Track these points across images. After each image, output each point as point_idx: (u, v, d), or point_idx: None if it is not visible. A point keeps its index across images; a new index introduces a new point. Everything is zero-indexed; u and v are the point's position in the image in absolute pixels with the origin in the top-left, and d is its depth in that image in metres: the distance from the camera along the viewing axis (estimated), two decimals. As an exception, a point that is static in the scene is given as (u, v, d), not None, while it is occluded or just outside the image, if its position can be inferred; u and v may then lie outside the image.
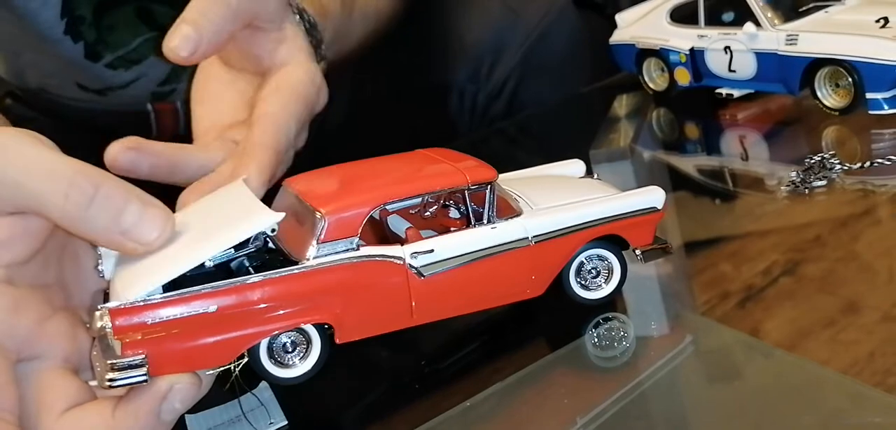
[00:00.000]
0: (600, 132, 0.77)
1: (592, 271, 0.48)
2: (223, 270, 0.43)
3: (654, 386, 0.43)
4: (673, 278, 0.53)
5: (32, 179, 0.40)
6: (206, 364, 0.40)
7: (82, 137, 0.83)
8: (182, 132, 0.85)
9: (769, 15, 0.70)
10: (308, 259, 0.41)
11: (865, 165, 0.59)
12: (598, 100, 0.87)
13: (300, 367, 0.42)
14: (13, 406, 0.40)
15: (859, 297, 0.46)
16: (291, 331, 0.42)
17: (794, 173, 0.60)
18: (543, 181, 0.53)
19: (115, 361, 0.39)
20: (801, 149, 0.65)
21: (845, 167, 0.59)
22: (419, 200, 0.47)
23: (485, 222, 0.45)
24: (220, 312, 0.40)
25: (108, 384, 0.39)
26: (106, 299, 0.42)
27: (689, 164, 0.71)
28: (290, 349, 0.42)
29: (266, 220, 0.42)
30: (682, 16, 0.77)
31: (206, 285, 0.40)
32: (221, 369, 0.41)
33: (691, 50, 0.75)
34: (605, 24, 0.87)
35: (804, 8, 0.70)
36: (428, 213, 0.48)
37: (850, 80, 0.65)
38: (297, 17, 0.59)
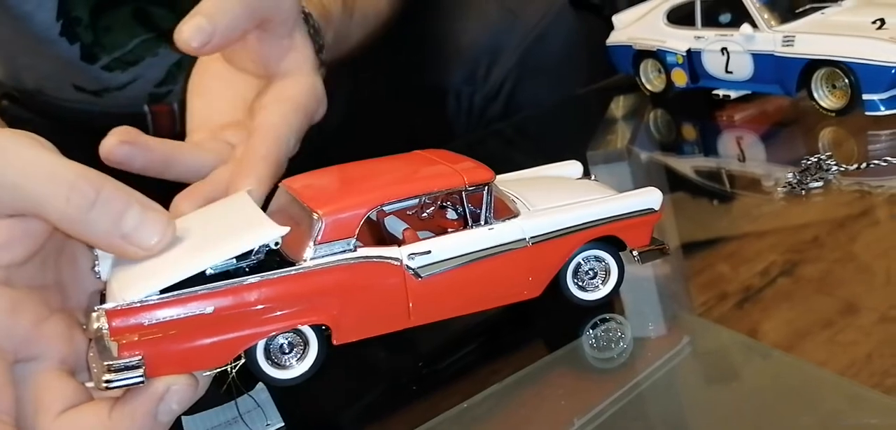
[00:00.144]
0: (597, 133, 0.77)
1: (590, 272, 0.48)
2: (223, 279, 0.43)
3: (652, 387, 0.43)
4: (670, 279, 0.53)
5: (32, 182, 0.40)
6: (203, 366, 0.40)
7: (79, 139, 0.83)
8: (178, 133, 0.84)
9: (766, 16, 0.70)
10: (305, 260, 0.41)
11: (862, 167, 0.59)
12: (596, 101, 0.87)
13: (297, 368, 0.42)
14: (10, 407, 0.40)
15: (857, 298, 0.46)
16: (288, 332, 0.42)
17: (790, 175, 0.60)
18: (540, 182, 0.52)
19: (111, 362, 0.38)
20: (798, 150, 0.65)
21: (842, 168, 0.59)
22: (416, 201, 0.47)
23: (482, 223, 0.45)
24: (216, 313, 0.40)
25: (104, 385, 0.38)
26: (103, 300, 0.42)
27: (686, 165, 0.71)
28: (287, 351, 0.42)
29: (270, 233, 0.42)
30: (678, 17, 0.77)
31: (203, 287, 0.40)
32: (218, 370, 0.41)
33: (688, 51, 0.75)
34: (602, 25, 0.87)
35: (801, 9, 0.70)
36: (425, 214, 0.48)
37: (846, 81, 0.65)
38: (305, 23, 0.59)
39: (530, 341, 0.49)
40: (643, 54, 0.80)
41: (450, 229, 0.45)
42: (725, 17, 0.74)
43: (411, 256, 0.43)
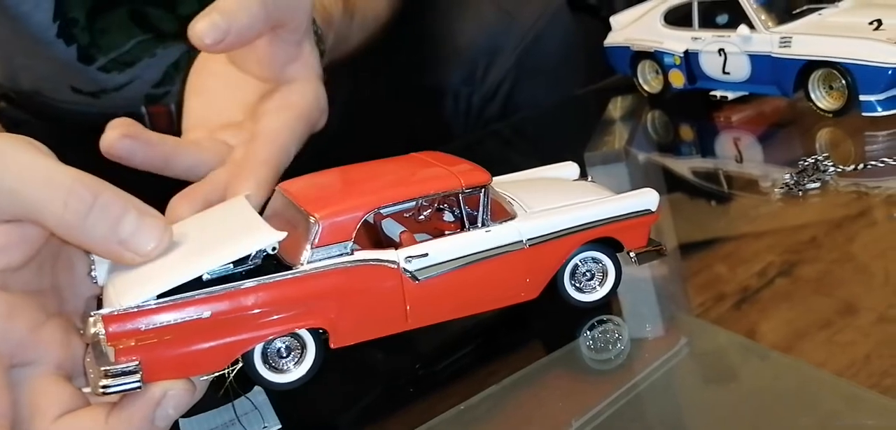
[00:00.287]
0: (595, 135, 0.77)
1: (587, 273, 0.48)
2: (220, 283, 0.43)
3: (649, 389, 0.43)
4: (668, 279, 0.53)
5: (29, 187, 0.40)
6: (201, 370, 0.40)
7: (77, 140, 0.83)
8: (176, 134, 0.84)
9: (763, 17, 0.70)
10: (302, 264, 0.41)
11: (859, 168, 0.59)
12: (593, 102, 0.87)
13: (295, 372, 0.42)
14: (6, 412, 0.40)
15: (855, 298, 0.46)
16: (286, 336, 0.42)
17: (787, 175, 0.60)
18: (537, 184, 0.52)
19: (108, 367, 0.38)
20: (796, 151, 0.65)
21: (839, 169, 0.59)
22: (413, 203, 0.47)
23: (479, 225, 0.45)
24: (213, 317, 0.40)
25: (101, 390, 0.38)
26: (99, 305, 0.42)
27: (683, 166, 0.71)
28: (284, 354, 0.42)
29: (268, 238, 0.42)
30: (676, 18, 0.77)
31: (200, 292, 0.40)
32: (216, 375, 0.41)
33: (685, 52, 0.75)
34: (600, 26, 0.87)
35: (798, 10, 0.70)
36: (422, 216, 0.48)
37: (843, 82, 0.65)
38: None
39: (528, 342, 0.49)
40: (641, 55, 0.80)
41: (447, 232, 0.45)
42: (723, 19, 0.74)
43: (408, 259, 0.43)
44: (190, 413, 0.42)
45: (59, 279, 0.45)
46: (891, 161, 0.59)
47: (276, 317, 0.41)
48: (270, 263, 0.43)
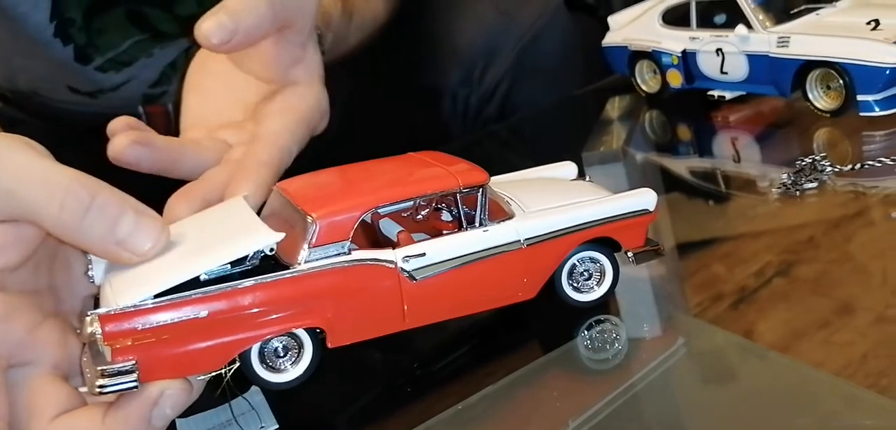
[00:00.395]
0: (593, 134, 0.77)
1: (584, 273, 0.48)
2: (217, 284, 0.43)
3: (647, 389, 0.43)
4: (666, 279, 0.52)
5: (26, 188, 0.40)
6: (197, 370, 0.40)
7: (74, 140, 0.83)
8: (173, 133, 0.84)
9: (761, 17, 0.70)
10: (300, 263, 0.41)
11: (857, 167, 0.59)
12: (591, 102, 0.87)
13: (292, 372, 0.42)
14: (3, 412, 0.40)
15: (853, 298, 0.46)
16: (283, 335, 0.42)
17: (785, 175, 0.60)
18: (535, 184, 0.52)
19: (105, 367, 0.38)
20: (793, 151, 0.65)
21: (837, 169, 0.59)
22: (411, 203, 0.47)
23: (477, 225, 0.45)
24: (210, 317, 0.40)
25: (98, 390, 0.38)
26: (96, 304, 0.42)
27: (681, 166, 0.71)
28: (281, 354, 0.42)
29: (266, 239, 0.42)
30: (674, 18, 0.77)
31: (197, 291, 0.40)
32: (213, 374, 0.41)
33: (683, 52, 0.75)
34: (598, 26, 0.87)
35: (795, 10, 0.70)
36: (420, 216, 0.48)
37: (841, 82, 0.65)
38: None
39: (525, 342, 0.49)
40: (638, 55, 0.80)
41: (444, 232, 0.45)
42: (720, 18, 0.74)
43: (406, 258, 0.43)
44: (187, 413, 0.42)
45: (56, 279, 0.45)
46: (888, 161, 0.59)
47: (273, 316, 0.41)
48: (268, 262, 0.43)
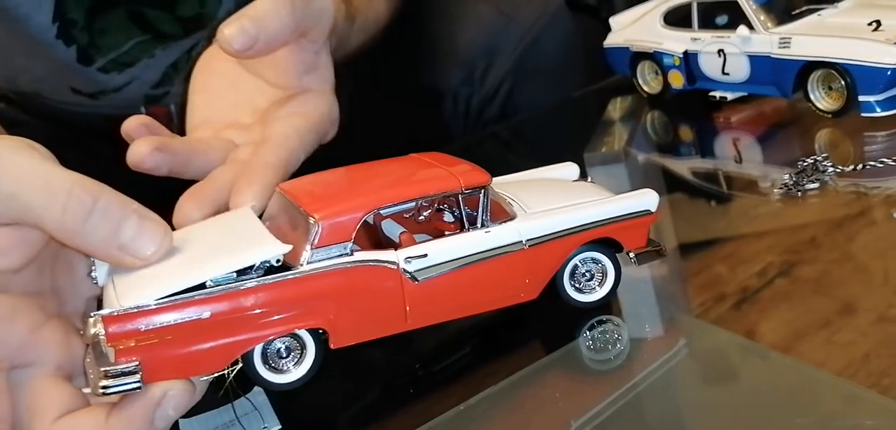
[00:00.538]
0: (595, 135, 0.77)
1: (586, 273, 0.48)
2: None
3: (649, 389, 0.43)
4: (668, 280, 0.53)
5: (29, 192, 0.40)
6: (200, 371, 0.40)
7: (76, 141, 0.83)
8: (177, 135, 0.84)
9: (762, 18, 0.70)
10: (302, 264, 0.41)
11: (858, 168, 0.59)
12: (593, 103, 0.87)
13: (294, 372, 0.42)
14: (6, 414, 0.40)
15: (854, 298, 0.46)
16: (286, 336, 0.42)
17: (787, 176, 0.60)
18: (537, 185, 0.52)
19: (108, 368, 0.38)
20: (795, 151, 0.65)
21: (838, 170, 0.59)
22: (413, 204, 0.47)
23: (478, 226, 0.45)
24: (213, 318, 0.40)
25: (101, 391, 0.38)
26: (99, 305, 0.42)
27: (683, 166, 0.71)
28: (284, 355, 0.42)
29: (272, 250, 0.42)
30: (675, 19, 0.77)
31: (200, 292, 0.40)
32: (216, 375, 0.41)
33: (685, 53, 0.75)
34: (599, 27, 0.87)
35: (797, 11, 0.70)
36: (422, 217, 0.48)
37: (842, 82, 0.65)
38: None
39: (527, 342, 0.49)
40: (640, 56, 0.80)
41: (446, 232, 0.45)
42: (722, 19, 0.74)
43: (408, 259, 0.43)
44: (190, 414, 0.42)
45: (58, 281, 0.45)
46: (890, 161, 0.59)
47: (275, 317, 0.41)
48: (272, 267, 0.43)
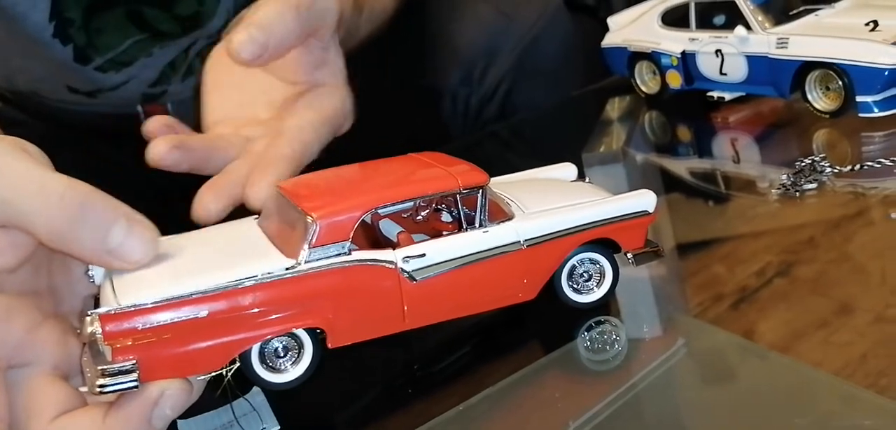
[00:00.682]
0: (593, 135, 0.77)
1: (584, 274, 0.48)
2: None
3: (647, 389, 0.43)
4: (666, 280, 0.53)
5: (23, 197, 0.40)
6: (198, 370, 0.40)
7: (73, 139, 0.83)
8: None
9: (760, 18, 0.70)
10: (300, 263, 0.41)
11: (856, 168, 0.59)
12: (591, 103, 0.87)
13: (292, 372, 0.42)
14: (3, 414, 0.40)
15: (852, 299, 0.46)
16: (283, 336, 0.42)
17: (785, 176, 0.60)
18: (535, 185, 0.52)
19: (105, 367, 0.38)
20: (792, 152, 0.65)
21: (836, 170, 0.59)
22: (411, 204, 0.47)
23: (477, 226, 0.45)
24: (210, 317, 0.40)
25: (98, 389, 0.38)
26: (96, 304, 0.42)
27: (681, 166, 0.71)
28: (281, 354, 0.42)
29: (275, 263, 0.41)
30: (673, 19, 0.77)
31: (197, 291, 0.39)
32: (213, 374, 0.41)
33: (683, 53, 0.75)
34: (598, 27, 0.87)
35: (795, 11, 0.70)
36: (420, 217, 0.48)
37: (840, 83, 0.65)
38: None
39: (525, 343, 0.49)
40: (638, 56, 0.80)
41: (444, 232, 0.45)
42: (720, 19, 0.74)
43: (406, 259, 0.43)
44: (188, 414, 0.42)
45: (55, 279, 0.45)
46: (887, 162, 0.59)
47: (273, 317, 0.41)
48: None
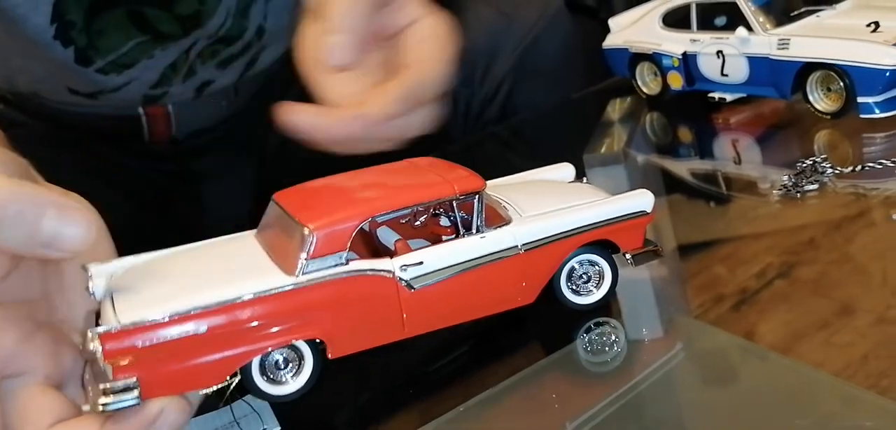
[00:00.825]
0: (594, 136, 0.77)
1: (583, 276, 0.48)
2: None
3: (647, 391, 0.43)
4: (666, 281, 0.52)
5: None
6: (199, 385, 0.40)
7: (74, 141, 0.83)
8: (174, 135, 0.84)
9: (761, 19, 0.70)
10: (298, 275, 0.41)
11: (857, 169, 0.59)
12: (592, 104, 0.87)
13: (293, 383, 0.42)
14: None
15: (853, 299, 0.46)
16: (283, 348, 0.41)
17: (786, 177, 0.60)
18: (532, 187, 0.52)
19: (107, 385, 0.38)
20: (794, 153, 0.65)
21: (837, 171, 0.59)
22: (408, 210, 0.46)
23: (474, 231, 0.45)
24: (210, 332, 0.39)
25: (101, 408, 0.38)
26: (97, 319, 0.42)
27: (682, 167, 0.71)
28: (282, 366, 0.42)
29: (277, 280, 0.41)
30: (674, 20, 0.77)
31: (197, 306, 0.39)
32: (215, 389, 0.40)
33: (684, 54, 0.75)
34: (599, 28, 0.87)
35: (796, 12, 0.70)
36: (418, 222, 0.48)
37: (841, 84, 0.65)
38: None
39: (525, 345, 0.49)
40: (639, 57, 0.80)
41: (443, 236, 0.45)
42: (721, 21, 0.74)
43: (403, 267, 0.43)
44: (187, 417, 0.42)
45: (48, 286, 0.44)
46: (889, 163, 0.59)
47: (272, 329, 0.41)
48: None
